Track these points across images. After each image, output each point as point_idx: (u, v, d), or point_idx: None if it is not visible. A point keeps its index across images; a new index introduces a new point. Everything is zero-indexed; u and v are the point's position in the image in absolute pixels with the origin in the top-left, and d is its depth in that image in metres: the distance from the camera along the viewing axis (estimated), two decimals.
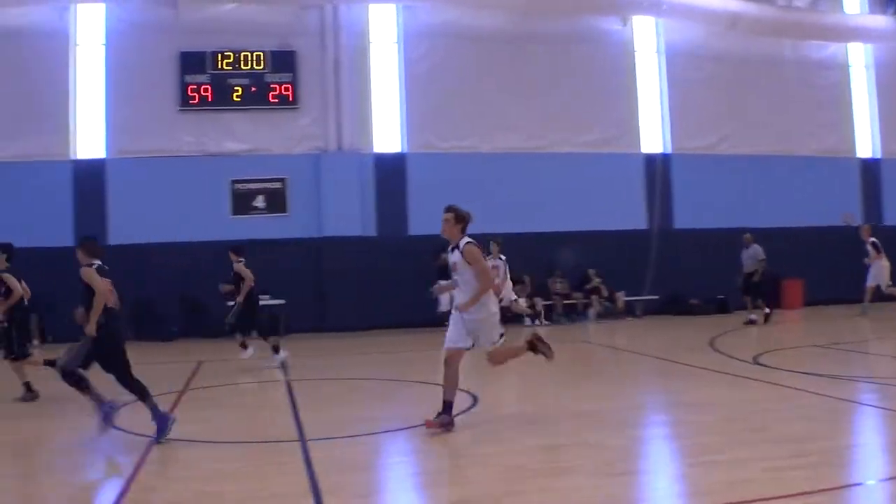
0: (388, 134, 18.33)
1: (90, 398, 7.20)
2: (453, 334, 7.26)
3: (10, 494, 5.65)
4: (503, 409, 8.32)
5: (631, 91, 19.36)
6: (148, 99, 17.51)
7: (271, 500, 5.25)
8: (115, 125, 17.58)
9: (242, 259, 12.66)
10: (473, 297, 7.09)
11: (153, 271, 17.08)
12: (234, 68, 17.62)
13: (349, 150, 17.89)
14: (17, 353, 9.62)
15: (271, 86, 17.69)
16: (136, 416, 7.91)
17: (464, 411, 7.90)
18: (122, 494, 5.47)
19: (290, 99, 17.73)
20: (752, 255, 16.51)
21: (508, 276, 14.91)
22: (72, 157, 17.56)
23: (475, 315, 7.18)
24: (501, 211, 18.04)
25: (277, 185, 17.78)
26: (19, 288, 9.50)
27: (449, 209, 7.37)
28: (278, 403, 9.03)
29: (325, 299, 17.67)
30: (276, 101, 17.71)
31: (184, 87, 17.53)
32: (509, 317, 15.08)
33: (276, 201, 17.76)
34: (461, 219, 7.32)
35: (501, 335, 7.37)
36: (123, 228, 17.38)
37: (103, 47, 17.70)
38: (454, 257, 7.32)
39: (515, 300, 15.43)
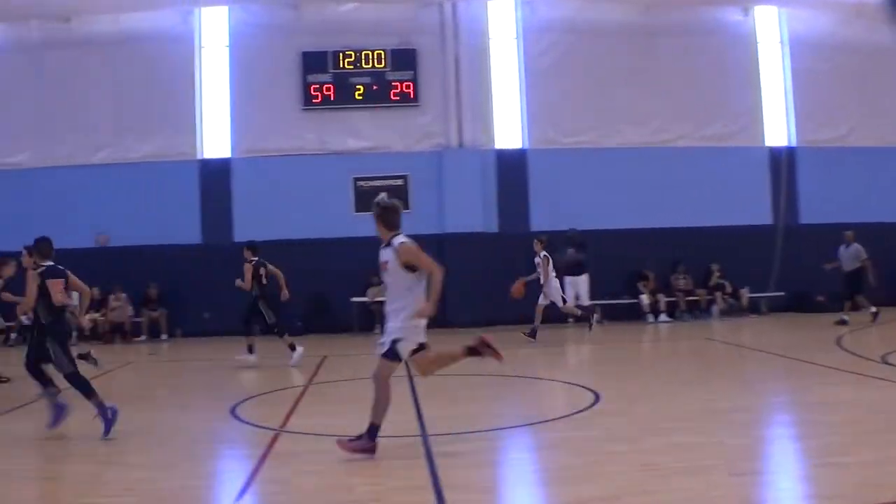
0: (508, 130, 18.18)
1: (93, 402, 7.27)
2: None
3: (143, 485, 5.65)
4: (627, 407, 8.00)
5: (754, 83, 18.85)
6: (271, 99, 17.75)
7: (394, 493, 5.22)
8: (240, 125, 17.87)
9: (255, 259, 12.67)
10: (434, 291, 6.09)
11: (279, 267, 17.12)
12: (355, 67, 17.72)
13: (470, 147, 17.80)
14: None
15: (392, 84, 17.73)
16: (261, 410, 7.96)
17: (586, 408, 7.74)
18: (247, 486, 5.49)
19: (412, 96, 17.73)
20: (854, 254, 15.79)
21: (554, 273, 14.53)
22: (199, 156, 17.87)
23: (395, 321, 6.18)
24: (622, 206, 17.87)
25: (399, 182, 17.77)
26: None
27: (375, 204, 6.52)
28: (400, 398, 8.88)
29: (447, 295, 17.46)
30: (398, 98, 17.74)
31: (306, 86, 17.69)
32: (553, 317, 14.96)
33: (399, 198, 17.44)
34: (387, 211, 6.39)
35: (422, 345, 6.30)
36: (248, 226, 17.52)
37: (227, 49, 18.01)
38: (385, 255, 6.29)
39: (564, 300, 14.87)
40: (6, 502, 5.41)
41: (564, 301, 14.75)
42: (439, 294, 6.10)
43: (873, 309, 15.57)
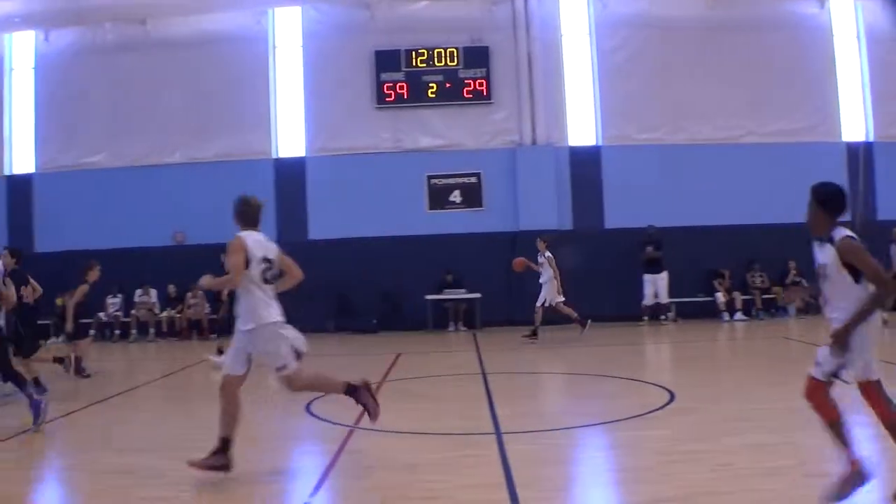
0: (582, 127, 18.06)
1: (25, 394, 7.55)
2: (228, 356, 5.92)
3: (217, 479, 5.67)
4: (703, 406, 7.81)
5: (830, 77, 18.49)
6: (345, 98, 17.82)
7: (468, 491, 5.18)
8: (314, 124, 18.00)
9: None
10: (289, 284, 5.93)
11: (352, 265, 17.29)
12: (428, 65, 17.71)
13: (544, 144, 17.71)
14: (24, 352, 9.67)
15: (465, 81, 17.70)
16: (335, 407, 7.90)
17: (660, 407, 7.61)
18: (321, 482, 5.52)
19: (485, 94, 17.69)
20: None
21: (558, 275, 14.37)
22: (274, 155, 17.98)
23: (245, 326, 5.71)
24: (696, 203, 17.63)
25: (473, 179, 17.73)
26: (13, 295, 8.91)
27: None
28: (474, 396, 8.86)
29: (522, 292, 17.45)
30: (471, 96, 17.70)
31: (379, 85, 17.73)
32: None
33: (472, 196, 17.72)
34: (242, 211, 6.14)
35: (298, 353, 5.80)
36: (322, 224, 17.72)
37: (301, 49, 18.10)
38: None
39: (562, 302, 14.56)
40: (79, 494, 5.58)
41: (563, 304, 14.55)
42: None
43: None
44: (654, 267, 16.64)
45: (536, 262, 14.50)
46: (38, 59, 18.64)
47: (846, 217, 4.62)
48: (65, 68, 18.37)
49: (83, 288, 11.75)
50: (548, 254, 14.36)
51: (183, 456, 6.12)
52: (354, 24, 17.85)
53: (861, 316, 4.45)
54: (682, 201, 17.61)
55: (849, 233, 4.58)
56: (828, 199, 4.70)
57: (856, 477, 4.52)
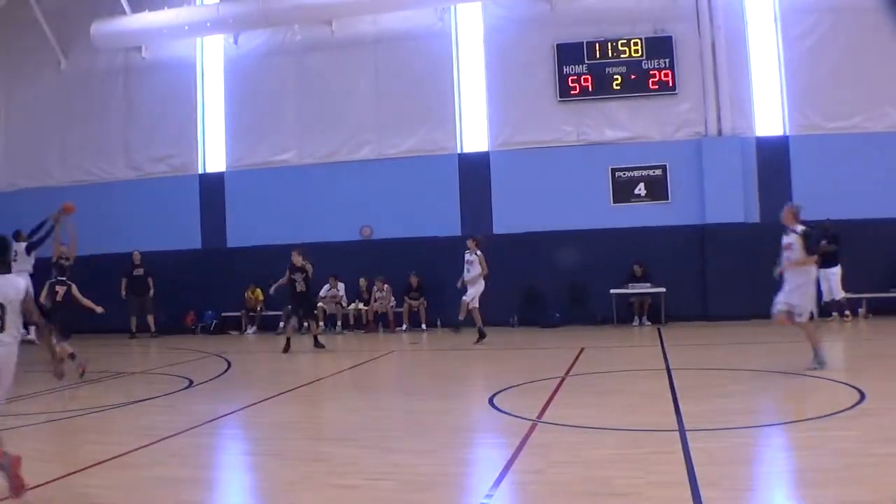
0: (769, 116, 17.66)
1: None
2: None
3: (401, 469, 5.80)
4: (894, 406, 7.41)
5: None
6: (527, 91, 17.98)
7: (651, 488, 5.11)
8: (497, 118, 18.20)
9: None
10: None
11: (537, 259, 17.48)
12: (611, 57, 17.65)
13: (730, 135, 17.42)
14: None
15: (650, 72, 17.56)
16: (519, 400, 8.04)
17: (850, 407, 7.27)
18: (503, 475, 5.49)
19: (670, 85, 17.51)
20: None
21: (481, 272, 14.07)
22: (458, 150, 18.31)
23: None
24: (889, 193, 16.99)
25: (658, 172, 17.61)
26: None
27: None
28: (658, 391, 8.72)
29: (707, 287, 17.32)
30: (656, 87, 17.55)
31: (563, 77, 17.78)
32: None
33: (657, 188, 17.60)
34: None
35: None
36: (506, 218, 17.94)
37: (482, 44, 18.33)
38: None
39: (471, 301, 14.23)
40: (274, 480, 5.76)
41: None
42: None
43: None
44: (829, 261, 16.14)
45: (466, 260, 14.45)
46: (228, 62, 19.49)
47: None
48: (253, 70, 19.15)
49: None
50: (478, 252, 14.20)
51: (373, 445, 6.47)
52: (535, 18, 17.95)
53: None
54: (876, 191, 17.02)
55: None
56: None
57: None
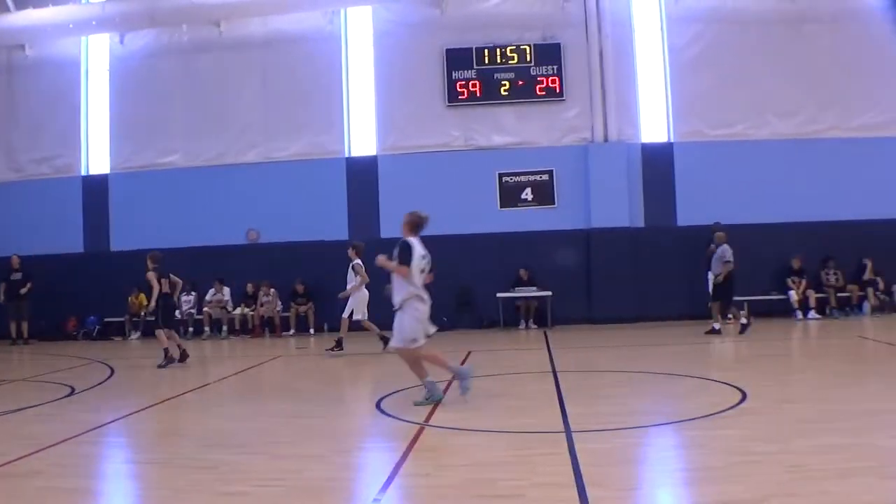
0: (654, 123, 17.89)
1: None
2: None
3: (290, 475, 5.73)
4: (776, 406, 7.61)
5: None
6: (416, 96, 17.90)
7: (537, 489, 5.15)
8: (385, 122, 18.08)
9: (156, 266, 12.55)
10: None
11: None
12: (499, 62, 17.68)
13: (615, 141, 17.59)
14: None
15: (538, 79, 17.64)
16: (406, 404, 7.98)
17: (732, 407, 7.42)
18: (391, 479, 5.50)
19: (557, 91, 17.62)
20: (719, 257, 14.78)
21: (361, 281, 13.34)
22: (346, 154, 18.12)
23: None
24: (771, 199, 17.39)
25: (545, 177, 17.67)
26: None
27: None
28: (545, 394, 8.77)
29: (593, 290, 17.39)
30: (544, 93, 17.64)
31: (451, 83, 17.76)
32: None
33: (544, 193, 17.66)
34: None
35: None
36: (394, 222, 17.61)
37: (372, 48, 18.21)
38: None
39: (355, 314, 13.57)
40: (160, 488, 5.57)
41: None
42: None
43: (744, 320, 14.97)
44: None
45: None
46: (113, 62, 19.00)
47: None
48: (140, 70, 18.71)
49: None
50: (357, 261, 13.40)
51: (261, 451, 6.32)
52: (425, 23, 17.91)
53: None
54: (757, 198, 17.37)
55: None
56: None
57: None
